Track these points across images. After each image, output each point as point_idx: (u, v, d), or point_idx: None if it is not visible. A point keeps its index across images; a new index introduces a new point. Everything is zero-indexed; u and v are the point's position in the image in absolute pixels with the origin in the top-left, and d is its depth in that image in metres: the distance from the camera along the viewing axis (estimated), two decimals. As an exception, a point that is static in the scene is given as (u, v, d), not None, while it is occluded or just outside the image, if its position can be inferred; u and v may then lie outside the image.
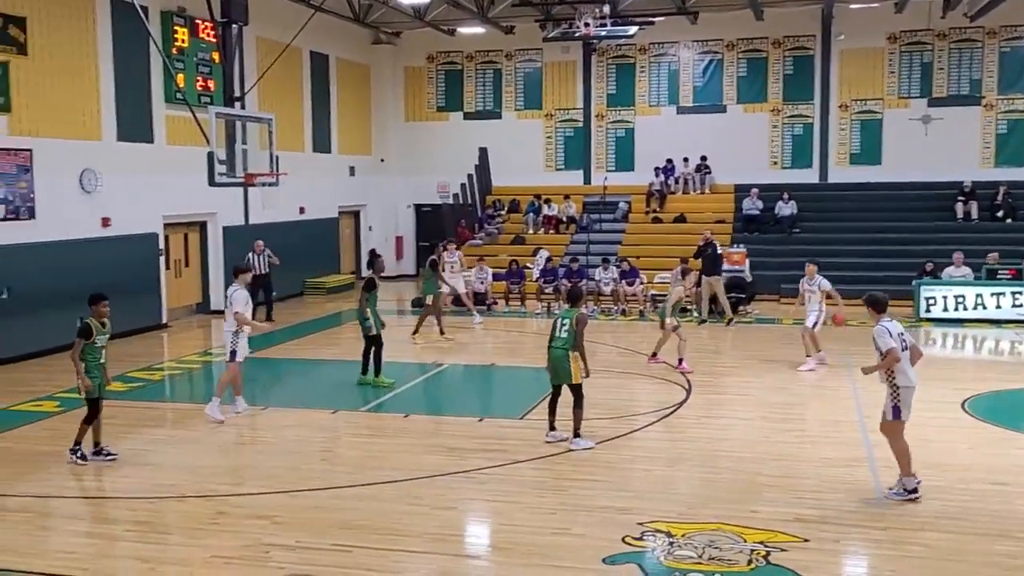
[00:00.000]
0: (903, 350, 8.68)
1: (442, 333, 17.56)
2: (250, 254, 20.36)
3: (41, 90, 16.65)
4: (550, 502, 8.78)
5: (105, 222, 18.13)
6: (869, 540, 7.88)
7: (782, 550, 7.56)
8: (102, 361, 10.17)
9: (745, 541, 7.74)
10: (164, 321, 19.82)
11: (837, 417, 12.02)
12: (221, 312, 21.43)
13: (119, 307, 18.47)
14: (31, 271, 16.10)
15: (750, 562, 7.33)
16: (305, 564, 7.40)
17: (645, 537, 7.86)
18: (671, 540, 7.78)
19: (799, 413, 12.57)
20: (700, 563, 7.31)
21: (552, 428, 10.90)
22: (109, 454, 10.24)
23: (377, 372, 13.81)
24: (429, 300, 17.71)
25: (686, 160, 27.28)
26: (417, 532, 8.06)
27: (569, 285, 20.91)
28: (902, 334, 8.79)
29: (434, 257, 18.93)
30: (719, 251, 20.66)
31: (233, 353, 12.18)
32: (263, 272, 20.19)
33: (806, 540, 7.78)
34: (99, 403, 10.20)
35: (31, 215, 16.39)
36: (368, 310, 13.77)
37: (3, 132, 15.93)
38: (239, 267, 12.84)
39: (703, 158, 27.25)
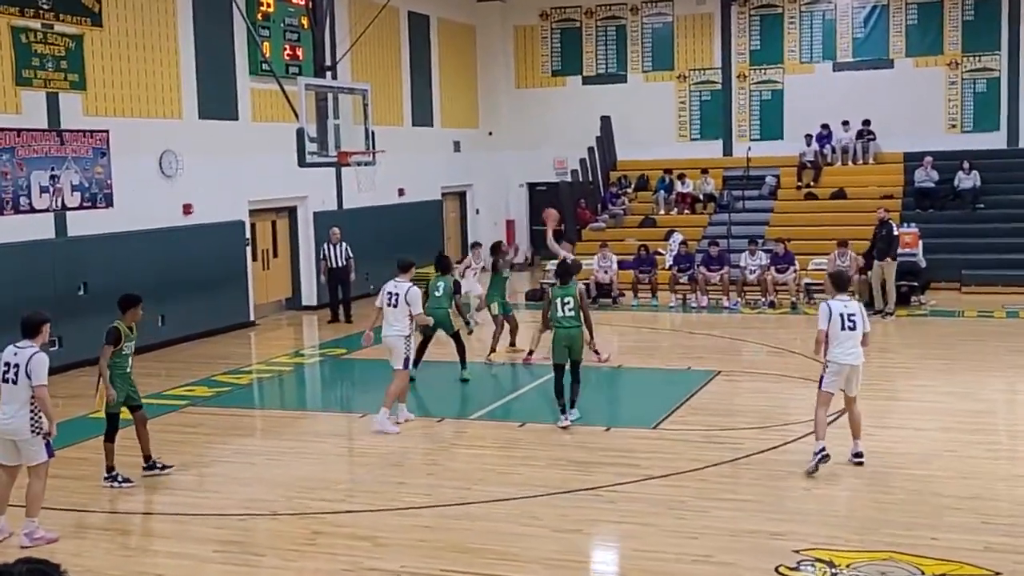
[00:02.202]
0: (843, 330, 10.04)
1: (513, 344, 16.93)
2: (324, 244, 20.63)
3: (117, 64, 17.30)
4: (690, 525, 8.69)
5: (187, 209, 18.74)
6: (1077, 574, 7.56)
7: (970, 585, 7.34)
8: (128, 370, 10.25)
9: (923, 573, 7.54)
10: (252, 319, 20.39)
11: (1034, 427, 11.61)
12: (312, 308, 22.07)
13: (202, 304, 19.35)
14: (108, 264, 16.73)
15: (931, 598, 7.13)
16: (411, 592, 7.49)
17: (803, 567, 7.72)
18: (834, 571, 7.62)
19: (988, 423, 12.16)
20: (870, 598, 7.14)
21: (565, 411, 11.94)
22: (165, 466, 10.42)
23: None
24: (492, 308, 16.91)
25: (845, 125, 26.63)
26: (535, 557, 8.08)
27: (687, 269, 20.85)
28: (852, 315, 10.10)
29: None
30: (895, 231, 20.12)
31: (407, 360, 12.19)
32: (340, 265, 20.43)
33: (998, 573, 7.52)
34: (119, 417, 10.22)
35: (108, 203, 17.06)
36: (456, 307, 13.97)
37: (78, 112, 16.61)
38: (407, 260, 12.75)
39: (866, 122, 26.56)
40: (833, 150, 26.84)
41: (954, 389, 13.68)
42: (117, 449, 10.27)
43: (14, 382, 8.50)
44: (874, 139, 26.54)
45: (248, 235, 20.43)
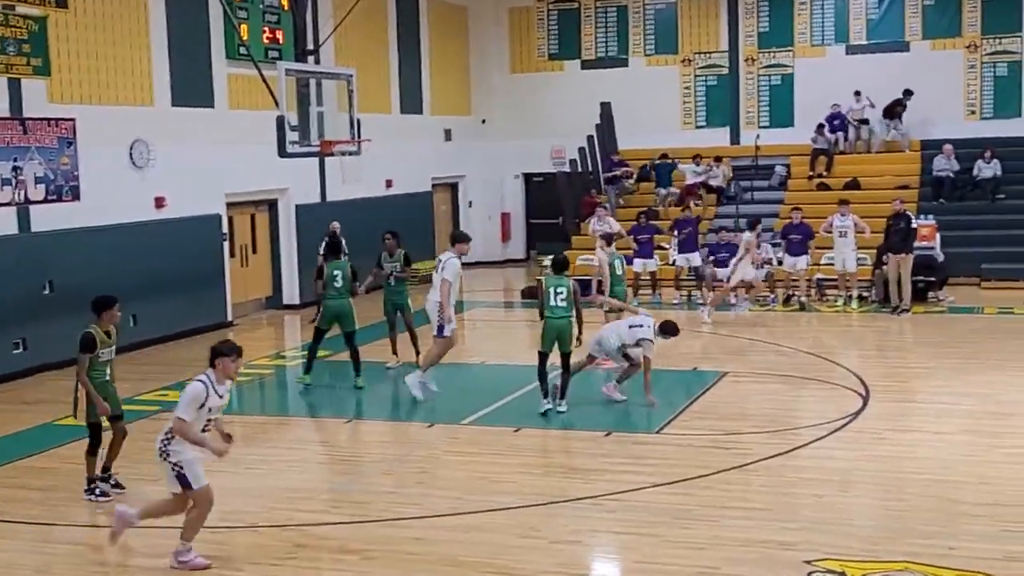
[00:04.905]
0: None
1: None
2: (326, 239, 20.59)
3: (84, 48, 17.27)
4: (696, 535, 8.71)
5: (159, 203, 18.72)
6: (1104, 585, 7.60)
7: (991, 597, 7.37)
8: (106, 379, 10.07)
9: (942, 585, 7.56)
10: (229, 319, 20.39)
11: (1059, 430, 11.66)
12: (295, 306, 22.08)
13: (177, 303, 19.34)
14: (75, 262, 16.68)
15: (949, 611, 7.17)
16: (400, 607, 7.51)
17: (815, 579, 7.74)
18: (848, 583, 7.64)
19: (1010, 425, 12.15)
20: (885, 612, 7.18)
21: (551, 395, 12.57)
22: (117, 485, 10.20)
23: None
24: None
25: (857, 95, 26.43)
26: (533, 570, 8.09)
27: (706, 266, 20.78)
28: None
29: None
30: (913, 223, 20.20)
31: (440, 328, 13.19)
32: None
33: (1021, 584, 7.56)
34: (101, 429, 10.10)
35: (75, 196, 17.03)
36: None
37: (43, 99, 16.57)
38: (461, 234, 13.93)
39: (907, 93, 26.08)
40: (846, 135, 26.70)
41: (973, 390, 13.69)
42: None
43: None
44: (905, 109, 26.13)
45: (225, 230, 20.40)
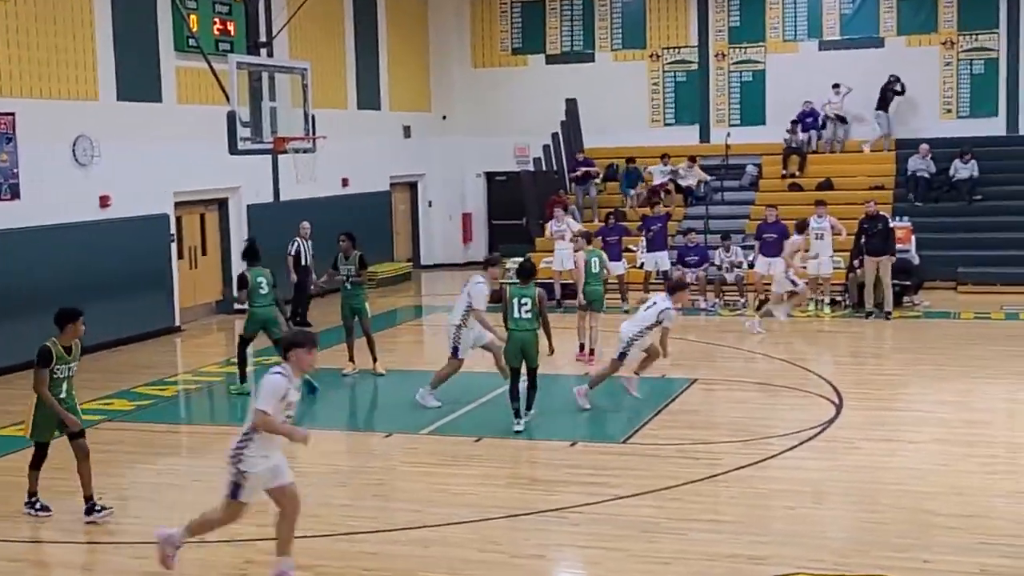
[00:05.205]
0: None
1: None
2: (297, 240, 20.46)
3: (24, 39, 17.10)
4: (663, 548, 8.73)
5: (104, 201, 18.58)
6: (1081, 599, 7.70)
7: (966, 611, 7.45)
8: (63, 395, 9.73)
9: (916, 599, 7.63)
10: (177, 323, 20.26)
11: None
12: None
13: (122, 307, 19.18)
14: (14, 264, 16.53)
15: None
16: (355, 625, 7.50)
17: (786, 593, 7.80)
18: (820, 597, 7.71)
19: (986, 434, 12.31)
20: (858, 627, 7.23)
21: (519, 415, 12.34)
22: (103, 508, 9.91)
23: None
24: None
25: (836, 88, 26.49)
26: (494, 586, 8.10)
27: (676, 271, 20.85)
28: None
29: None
30: (890, 224, 20.38)
31: (456, 349, 13.44)
32: (307, 263, 20.30)
33: (997, 598, 7.64)
34: (47, 447, 9.88)
35: (14, 194, 16.87)
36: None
37: (-20, 93, 16.44)
38: (495, 258, 14.40)
39: (893, 79, 26.20)
40: (820, 133, 26.85)
41: (948, 398, 13.84)
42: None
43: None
44: (901, 94, 26.20)
45: (173, 230, 20.26)
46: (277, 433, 8.04)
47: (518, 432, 12.28)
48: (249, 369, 15.05)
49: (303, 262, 20.22)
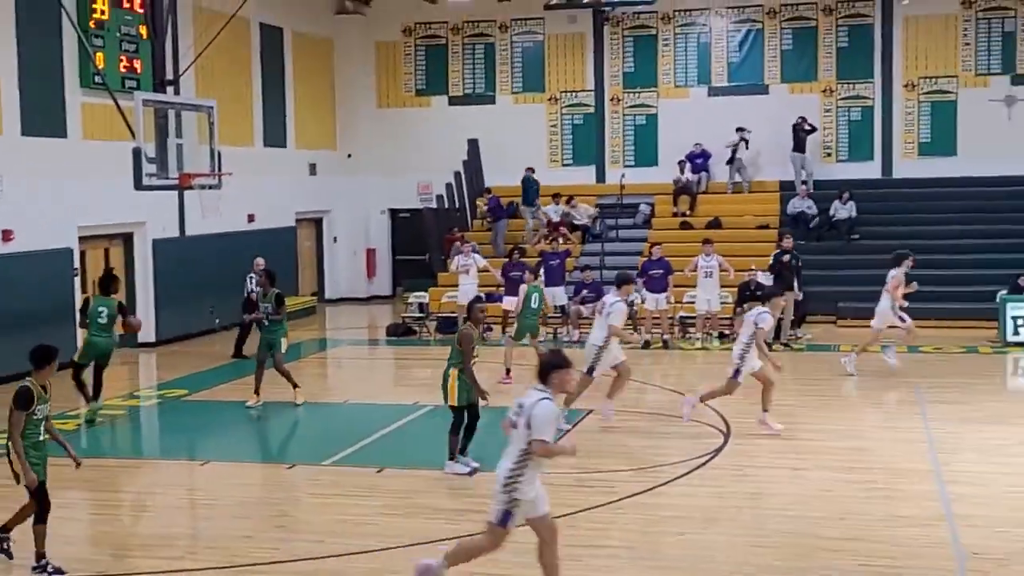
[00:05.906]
0: None
1: None
2: (250, 275, 19.85)
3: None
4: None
5: (6, 236, 18.14)
6: (955, 618, 7.84)
7: (847, 632, 7.54)
8: (42, 438, 9.18)
9: (801, 621, 7.71)
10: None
11: (911, 464, 12.03)
12: (151, 344, 21.52)
13: (23, 341, 18.46)
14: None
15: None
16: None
17: (677, 617, 7.83)
18: (710, 621, 7.74)
19: (864, 461, 12.54)
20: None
21: (457, 455, 11.96)
22: (58, 571, 9.00)
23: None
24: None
25: (740, 131, 26.57)
26: (395, 614, 7.99)
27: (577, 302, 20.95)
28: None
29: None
30: (799, 261, 20.81)
31: (591, 368, 13.81)
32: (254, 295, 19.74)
33: (877, 619, 7.74)
34: (47, 494, 9.19)
35: (-83, 228, 16.39)
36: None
37: None
38: (627, 275, 14.60)
39: (801, 120, 26.41)
40: (708, 173, 27.19)
41: (830, 427, 14.09)
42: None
43: (514, 426, 7.85)
44: (812, 132, 26.44)
45: (77, 264, 19.85)
46: (557, 456, 7.84)
47: (470, 474, 11.81)
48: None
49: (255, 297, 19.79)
